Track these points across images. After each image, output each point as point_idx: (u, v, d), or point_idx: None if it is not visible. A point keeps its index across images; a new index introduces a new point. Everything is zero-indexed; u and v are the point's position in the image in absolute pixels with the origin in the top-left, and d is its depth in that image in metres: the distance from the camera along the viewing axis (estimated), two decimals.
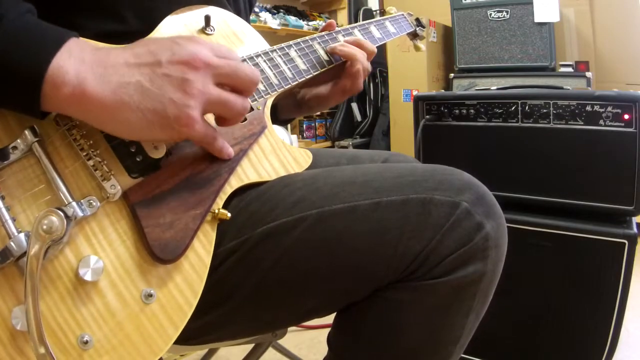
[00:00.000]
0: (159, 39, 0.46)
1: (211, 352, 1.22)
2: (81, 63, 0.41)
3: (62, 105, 0.41)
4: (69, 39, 0.42)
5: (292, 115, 0.83)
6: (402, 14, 0.97)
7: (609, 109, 0.98)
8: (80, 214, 0.43)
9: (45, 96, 0.40)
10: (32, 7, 0.44)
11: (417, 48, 1.04)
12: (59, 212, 0.40)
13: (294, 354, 1.20)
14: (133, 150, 0.48)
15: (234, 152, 0.53)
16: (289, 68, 0.64)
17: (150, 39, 0.46)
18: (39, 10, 0.51)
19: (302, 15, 3.07)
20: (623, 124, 0.97)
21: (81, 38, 0.44)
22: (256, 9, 2.69)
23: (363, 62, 0.72)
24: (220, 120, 0.50)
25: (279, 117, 0.83)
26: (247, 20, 0.70)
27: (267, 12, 2.73)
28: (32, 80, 0.39)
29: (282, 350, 1.18)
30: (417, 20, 1.00)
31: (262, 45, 0.64)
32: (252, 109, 0.58)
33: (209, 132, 0.47)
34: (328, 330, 0.58)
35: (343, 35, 0.76)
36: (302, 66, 0.66)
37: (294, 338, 1.40)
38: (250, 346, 0.97)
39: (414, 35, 1.01)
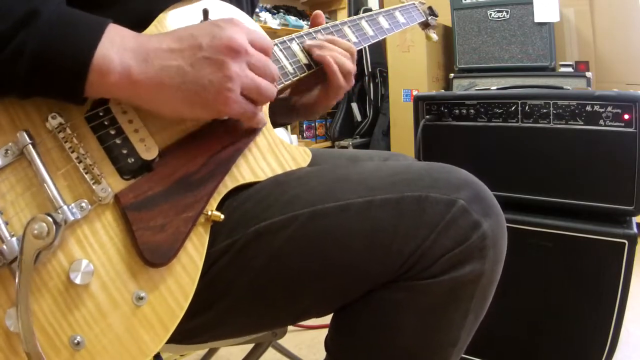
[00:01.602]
0: (200, 23, 0.49)
1: (211, 352, 1.22)
2: (124, 50, 0.43)
3: (108, 91, 0.44)
4: (107, 27, 0.43)
5: (287, 121, 0.81)
6: (413, 3, 0.92)
7: (609, 109, 0.98)
8: (71, 218, 0.43)
9: (91, 84, 0.42)
10: None
11: (428, 38, 1.00)
12: (49, 218, 0.40)
13: (294, 354, 1.20)
14: (125, 152, 0.47)
15: (229, 153, 0.52)
16: (290, 63, 0.62)
17: (190, 24, 0.48)
18: None
19: (302, 15, 3.07)
20: (623, 124, 0.97)
21: (116, 25, 0.45)
22: (256, 9, 2.68)
23: (340, 65, 0.65)
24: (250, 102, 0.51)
25: (276, 120, 0.81)
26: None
27: (267, 12, 2.74)
28: (78, 70, 0.41)
29: (282, 350, 1.18)
30: (430, 8, 0.96)
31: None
32: None
33: (247, 109, 0.49)
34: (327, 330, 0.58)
35: (349, 27, 0.73)
36: (304, 60, 0.64)
37: (294, 338, 1.40)
38: (250, 346, 0.97)
39: (425, 25, 0.97)
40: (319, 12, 0.73)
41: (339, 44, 0.67)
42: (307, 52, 0.65)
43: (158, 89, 0.45)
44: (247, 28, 0.49)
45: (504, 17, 2.05)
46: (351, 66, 0.67)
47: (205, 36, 0.46)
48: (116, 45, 0.43)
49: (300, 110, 0.75)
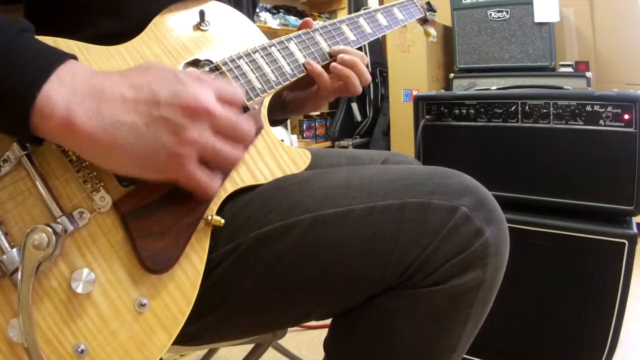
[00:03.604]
0: (161, 68, 0.44)
1: (211, 352, 1.22)
2: (72, 93, 0.39)
3: (52, 135, 0.40)
4: (62, 64, 0.40)
5: (278, 117, 0.81)
6: None
7: (609, 109, 0.98)
8: (70, 227, 0.43)
9: (36, 125, 0.39)
10: (26, 25, 0.42)
11: (427, 34, 0.99)
12: (48, 228, 0.40)
13: (294, 354, 1.20)
14: None
15: None
16: (287, 63, 0.62)
17: (151, 68, 0.44)
18: (42, 11, 0.50)
19: (302, 15, 3.07)
20: (623, 124, 0.97)
21: (76, 61, 0.42)
22: (257, 9, 2.68)
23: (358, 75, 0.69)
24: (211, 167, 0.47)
25: (271, 117, 0.80)
26: (251, 19, 0.68)
27: (267, 12, 2.74)
28: (21, 110, 0.38)
29: (282, 350, 1.19)
30: (428, 4, 0.95)
31: (260, 39, 0.62)
32: (247, 109, 0.56)
33: (200, 179, 0.44)
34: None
35: (347, 25, 0.72)
36: (302, 60, 0.64)
37: (294, 338, 1.40)
38: (250, 346, 0.97)
39: (423, 21, 0.96)
40: (307, 19, 0.73)
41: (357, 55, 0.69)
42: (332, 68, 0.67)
43: (107, 146, 0.40)
44: (215, 83, 0.45)
45: (504, 17, 2.05)
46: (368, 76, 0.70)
47: (164, 91, 0.41)
48: (65, 86, 0.39)
49: (288, 106, 0.75)
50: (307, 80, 0.69)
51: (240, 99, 0.47)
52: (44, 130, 0.39)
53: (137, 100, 0.41)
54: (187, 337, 0.51)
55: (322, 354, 0.58)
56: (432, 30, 0.99)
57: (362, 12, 0.78)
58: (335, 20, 0.72)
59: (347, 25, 0.73)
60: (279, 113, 0.79)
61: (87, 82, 0.40)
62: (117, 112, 0.40)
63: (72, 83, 0.39)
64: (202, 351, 1.22)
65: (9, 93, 0.38)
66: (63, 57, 0.41)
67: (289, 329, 0.91)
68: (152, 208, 0.46)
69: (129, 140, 0.40)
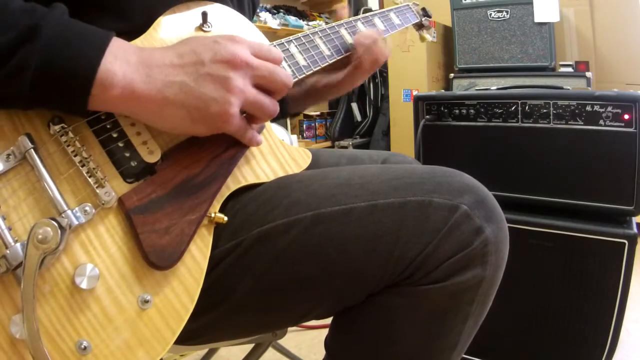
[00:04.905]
0: (201, 37, 0.48)
1: (211, 352, 1.22)
2: (127, 64, 0.43)
3: (109, 105, 0.44)
4: (110, 41, 0.43)
5: (299, 108, 0.83)
6: (407, 5, 0.93)
7: (609, 109, 0.98)
8: (75, 222, 0.43)
9: (93, 97, 0.42)
10: (64, 7, 0.44)
11: (422, 38, 1.01)
12: (53, 222, 0.40)
13: (294, 354, 1.20)
14: (128, 155, 0.47)
15: (231, 154, 0.52)
16: (288, 65, 0.62)
17: (191, 38, 0.49)
18: None
19: (302, 15, 3.07)
20: (623, 124, 0.97)
21: (118, 37, 0.45)
22: (257, 10, 2.68)
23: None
24: (251, 119, 0.52)
25: (288, 111, 0.82)
26: (251, 20, 0.69)
27: (267, 12, 2.74)
28: (82, 85, 0.41)
29: (282, 350, 1.19)
30: (424, 10, 0.97)
31: (262, 42, 0.62)
32: None
33: (242, 125, 0.50)
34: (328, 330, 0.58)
35: (346, 29, 0.73)
36: (302, 62, 0.64)
37: (294, 338, 1.40)
38: (250, 346, 0.97)
39: (419, 26, 0.98)
40: (340, 6, 0.75)
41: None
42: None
43: (162, 104, 0.45)
44: (250, 42, 0.49)
45: (504, 17, 2.05)
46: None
47: (206, 52, 0.46)
48: (119, 59, 0.43)
49: (320, 91, 0.77)
50: (341, 63, 0.71)
51: (277, 55, 0.51)
52: (102, 101, 0.43)
53: (183, 65, 0.46)
54: (187, 336, 0.51)
55: (322, 353, 0.58)
56: (428, 36, 1.00)
57: (360, 16, 0.79)
58: (334, 24, 0.73)
59: (346, 29, 0.74)
60: (302, 103, 0.81)
61: (139, 55, 0.45)
62: (168, 75, 0.45)
63: (125, 56, 0.44)
64: (202, 351, 1.22)
65: (67, 72, 0.41)
66: (107, 34, 0.44)
67: (289, 329, 0.91)
68: (157, 204, 0.46)
69: (179, 97, 0.45)
